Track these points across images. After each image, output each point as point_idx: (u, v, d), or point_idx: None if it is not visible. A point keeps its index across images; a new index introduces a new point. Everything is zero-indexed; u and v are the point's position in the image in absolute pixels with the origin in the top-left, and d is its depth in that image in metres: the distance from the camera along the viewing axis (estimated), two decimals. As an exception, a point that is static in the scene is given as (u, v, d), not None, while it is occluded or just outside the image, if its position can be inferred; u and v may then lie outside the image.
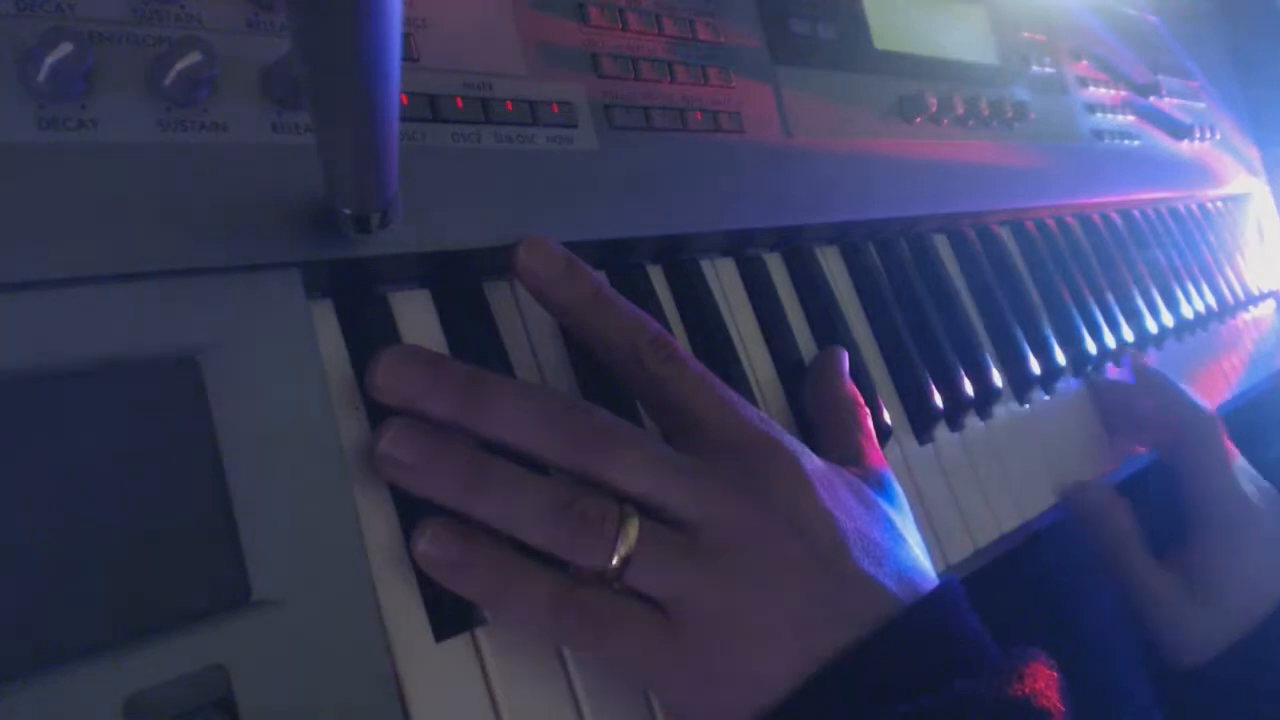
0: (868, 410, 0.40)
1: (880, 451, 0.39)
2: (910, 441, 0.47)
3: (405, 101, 0.31)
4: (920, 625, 0.30)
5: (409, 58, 0.32)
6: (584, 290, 0.32)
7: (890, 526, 0.34)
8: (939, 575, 0.34)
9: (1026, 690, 0.28)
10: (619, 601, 0.28)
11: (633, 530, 0.28)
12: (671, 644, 0.28)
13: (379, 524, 0.29)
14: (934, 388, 0.47)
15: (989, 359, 0.52)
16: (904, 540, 0.34)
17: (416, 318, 0.32)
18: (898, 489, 0.38)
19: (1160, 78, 0.81)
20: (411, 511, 0.29)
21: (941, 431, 0.48)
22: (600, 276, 0.33)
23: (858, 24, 0.52)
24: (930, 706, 0.27)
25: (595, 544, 0.28)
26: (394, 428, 0.28)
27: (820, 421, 0.40)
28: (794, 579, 0.29)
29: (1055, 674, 0.30)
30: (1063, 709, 0.29)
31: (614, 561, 0.28)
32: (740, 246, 0.44)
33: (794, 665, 0.28)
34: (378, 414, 0.29)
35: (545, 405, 0.29)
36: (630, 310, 0.32)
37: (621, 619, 0.28)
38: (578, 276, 0.32)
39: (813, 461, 0.33)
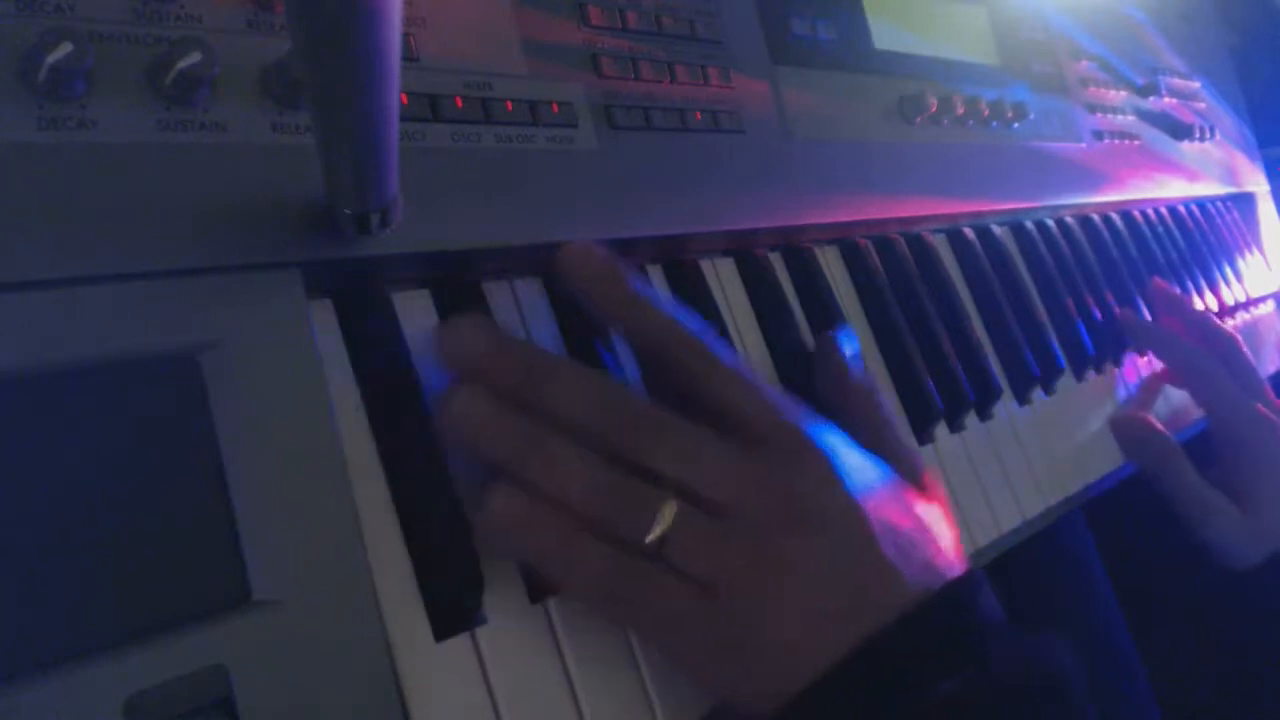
0: (883, 398, 0.41)
1: (899, 434, 0.39)
2: (910, 442, 0.46)
3: (405, 101, 0.31)
4: (946, 611, 0.31)
5: (409, 58, 0.32)
6: (622, 292, 0.33)
7: (918, 517, 0.34)
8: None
9: (1054, 667, 0.30)
10: (660, 574, 0.30)
11: (669, 513, 0.29)
12: (706, 621, 0.29)
13: (379, 524, 0.29)
14: (934, 388, 0.47)
15: (989, 359, 0.52)
16: (930, 530, 0.34)
17: (417, 317, 0.32)
18: (926, 472, 0.38)
19: (1160, 78, 0.81)
20: (412, 511, 0.29)
21: (941, 431, 0.48)
22: (638, 277, 0.34)
23: (858, 24, 0.52)
24: (962, 688, 0.28)
25: (634, 523, 0.29)
26: (466, 388, 0.29)
27: (839, 412, 0.40)
28: (822, 568, 0.30)
29: (1070, 653, 0.31)
30: (1082, 685, 0.30)
31: (650, 540, 0.29)
32: (740, 246, 0.44)
33: (822, 651, 0.29)
34: (378, 414, 0.29)
35: (598, 386, 0.31)
36: (666, 310, 0.33)
37: (663, 591, 0.30)
38: (616, 279, 0.33)
39: (845, 453, 0.34)
